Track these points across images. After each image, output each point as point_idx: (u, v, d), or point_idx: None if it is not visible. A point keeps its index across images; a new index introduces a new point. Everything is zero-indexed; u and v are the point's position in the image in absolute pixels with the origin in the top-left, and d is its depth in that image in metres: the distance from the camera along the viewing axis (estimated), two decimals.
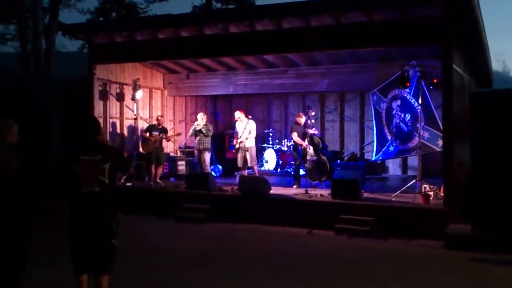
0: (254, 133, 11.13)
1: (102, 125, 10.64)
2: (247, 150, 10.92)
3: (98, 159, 4.16)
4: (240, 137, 11.01)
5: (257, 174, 10.94)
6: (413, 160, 12.43)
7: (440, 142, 9.05)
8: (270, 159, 12.89)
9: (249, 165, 11.01)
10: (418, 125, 9.48)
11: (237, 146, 11.07)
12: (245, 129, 11.01)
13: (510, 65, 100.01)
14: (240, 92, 13.52)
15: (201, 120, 11.39)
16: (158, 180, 11.24)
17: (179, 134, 12.90)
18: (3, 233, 3.86)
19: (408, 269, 6.30)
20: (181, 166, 12.46)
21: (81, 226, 4.16)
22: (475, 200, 7.50)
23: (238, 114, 11.31)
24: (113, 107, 12.20)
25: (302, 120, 10.72)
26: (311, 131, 10.48)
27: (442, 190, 8.67)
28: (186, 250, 7.23)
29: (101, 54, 11.38)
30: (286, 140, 13.34)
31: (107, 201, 4.21)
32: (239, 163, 11.07)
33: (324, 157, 10.35)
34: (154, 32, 10.55)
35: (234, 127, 14.26)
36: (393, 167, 13.42)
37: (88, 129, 4.35)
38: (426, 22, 8.37)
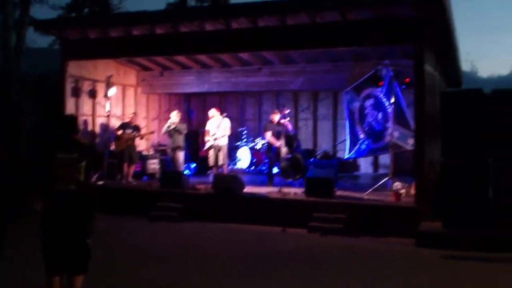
0: (228, 131, 11.09)
1: None
2: (220, 149, 10.88)
3: (75, 158, 4.11)
4: (214, 134, 10.92)
5: (226, 173, 10.86)
6: (384, 158, 12.62)
7: (411, 141, 9.20)
8: (244, 157, 12.90)
9: (220, 162, 10.96)
10: (388, 124, 9.63)
11: (208, 144, 10.97)
12: (219, 127, 10.95)
13: (477, 65, 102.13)
14: (214, 90, 13.47)
15: (175, 117, 11.30)
16: (130, 179, 11.11)
17: (152, 132, 12.80)
18: None
19: (379, 267, 6.36)
20: (154, 164, 12.32)
21: (55, 225, 4.09)
22: (445, 198, 7.64)
23: (212, 112, 11.27)
24: (85, 104, 12.00)
25: (276, 118, 10.73)
26: (284, 120, 10.47)
27: (413, 188, 8.82)
28: (160, 249, 7.16)
29: (73, 50, 11.18)
30: (259, 138, 13.37)
31: (83, 200, 4.16)
32: (211, 161, 11.02)
33: (298, 155, 10.40)
34: (129, 28, 10.43)
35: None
36: (365, 165, 13.59)
37: (66, 127, 4.30)
38: (401, 22, 8.51)
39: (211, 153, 11.01)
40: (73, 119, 4.59)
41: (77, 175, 4.11)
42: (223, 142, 10.98)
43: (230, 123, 11.42)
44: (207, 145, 11.04)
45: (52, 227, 4.10)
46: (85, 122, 11.98)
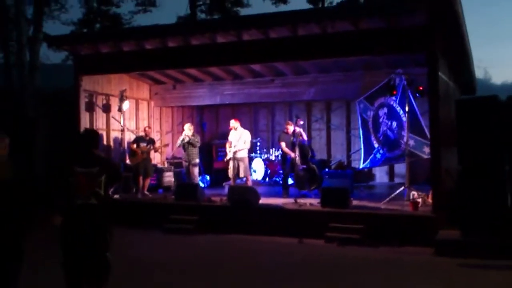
0: (248, 144, 10.98)
1: None
2: (241, 160, 10.78)
3: (95, 172, 4.13)
4: (235, 146, 10.78)
5: (250, 185, 10.69)
6: (400, 168, 12.53)
7: (426, 149, 9.14)
8: (258, 168, 12.88)
9: (241, 175, 10.82)
10: (403, 133, 9.57)
11: (229, 155, 10.84)
12: (240, 138, 10.86)
13: (491, 72, 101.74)
14: (227, 102, 13.51)
15: (188, 130, 11.32)
16: (146, 192, 11.15)
17: (166, 145, 12.84)
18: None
19: (399, 277, 6.30)
20: (169, 177, 12.36)
21: (76, 239, 4.11)
22: (463, 206, 7.55)
23: (233, 123, 11.09)
24: (99, 118, 12.09)
25: (290, 129, 10.71)
26: (299, 129, 10.43)
27: (430, 196, 8.74)
28: (176, 262, 7.16)
29: (87, 65, 11.29)
30: (273, 149, 13.37)
31: (103, 214, 4.18)
32: (231, 173, 10.86)
33: (313, 166, 10.36)
34: (141, 42, 10.51)
35: (221, 137, 14.26)
36: (380, 174, 13.51)
37: (87, 141, 4.33)
38: (412, 31, 8.46)
39: (231, 164, 10.85)
40: (94, 133, 4.63)
41: (97, 189, 4.13)
42: (244, 154, 10.84)
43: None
44: (228, 156, 10.91)
45: (73, 241, 4.12)
46: (100, 136, 12.05)
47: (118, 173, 4.55)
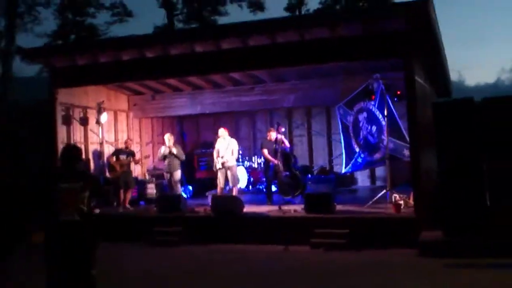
0: (236, 153, 10.93)
1: None
2: (229, 169, 10.67)
3: (79, 187, 4.07)
4: (223, 156, 10.69)
5: (235, 194, 10.61)
6: (381, 171, 12.65)
7: (406, 152, 9.25)
8: (241, 177, 12.85)
9: (230, 184, 10.72)
10: (383, 137, 9.68)
11: (218, 165, 10.72)
12: (228, 147, 10.78)
13: (465, 74, 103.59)
14: (207, 111, 13.48)
15: (168, 141, 11.21)
16: (127, 205, 11.01)
17: (147, 156, 12.73)
18: None
19: (385, 279, 6.35)
20: (151, 189, 12.22)
21: (60, 256, 4.03)
22: (444, 207, 7.66)
23: (221, 132, 11.00)
24: (77, 131, 11.91)
25: (272, 135, 10.71)
26: (280, 136, 10.44)
27: (411, 198, 8.84)
28: (163, 274, 7.09)
29: (62, 78, 11.08)
30: (256, 157, 13.36)
31: (87, 230, 4.11)
32: (220, 182, 10.73)
33: (296, 172, 10.39)
34: (118, 53, 10.39)
35: (202, 147, 14.21)
36: (362, 178, 13.61)
37: (69, 156, 4.26)
38: (389, 36, 8.56)
39: (220, 174, 10.76)
40: (75, 148, 4.58)
41: (81, 205, 4.07)
42: (232, 163, 10.77)
43: None
44: (216, 166, 10.80)
45: (57, 258, 4.04)
46: (81, 151, 11.86)
47: (100, 187, 4.52)
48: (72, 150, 4.44)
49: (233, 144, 10.88)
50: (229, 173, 10.67)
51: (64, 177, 4.13)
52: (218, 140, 11.00)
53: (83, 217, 4.08)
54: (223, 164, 10.64)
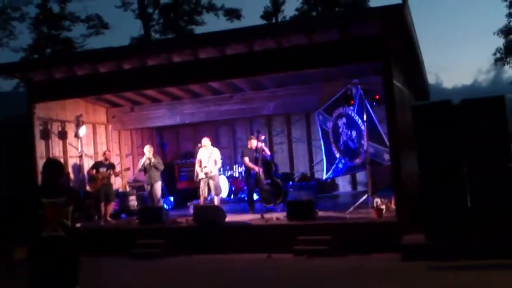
0: (219, 162, 10.83)
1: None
2: (212, 178, 10.55)
3: (62, 202, 4.02)
4: (206, 166, 10.56)
5: (217, 203, 10.51)
6: (362, 176, 12.70)
7: (386, 156, 9.31)
8: (222, 186, 12.77)
9: (213, 194, 10.60)
10: (363, 142, 9.74)
11: (201, 175, 10.58)
12: (210, 157, 10.66)
13: (442, 77, 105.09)
14: (187, 122, 13.41)
15: (148, 153, 11.10)
16: (109, 218, 10.86)
17: (127, 169, 12.61)
18: None
19: (368, 284, 6.36)
20: (132, 201, 12.11)
21: (44, 272, 3.96)
22: (426, 210, 7.70)
23: (205, 141, 10.86)
24: (56, 146, 11.75)
25: (253, 143, 10.67)
26: (261, 144, 10.41)
27: (393, 202, 8.87)
28: (147, 287, 6.97)
29: (40, 92, 10.96)
30: (236, 165, 13.32)
31: (71, 245, 4.05)
32: (203, 192, 10.60)
33: (277, 180, 10.37)
34: (95, 66, 10.31)
35: (183, 157, 14.11)
36: (343, 184, 13.65)
37: (51, 172, 4.21)
38: (366, 40, 8.62)
39: (202, 184, 10.63)
40: (57, 163, 4.54)
41: (64, 220, 4.02)
42: (215, 172, 10.67)
43: None
44: (199, 176, 10.66)
45: (42, 274, 3.96)
46: (62, 165, 11.68)
47: (81, 201, 4.48)
48: (54, 165, 4.38)
49: (216, 153, 10.80)
50: (211, 182, 10.57)
51: (47, 192, 4.07)
52: (201, 149, 10.91)
53: (67, 232, 4.02)
54: (206, 174, 10.56)
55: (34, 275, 4.01)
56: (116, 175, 11.59)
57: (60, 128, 11.85)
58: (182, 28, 25.59)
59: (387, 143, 9.10)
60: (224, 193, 12.54)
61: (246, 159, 10.61)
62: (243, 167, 11.34)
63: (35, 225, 4.01)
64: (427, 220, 7.63)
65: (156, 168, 10.95)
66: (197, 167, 10.76)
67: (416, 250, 7.44)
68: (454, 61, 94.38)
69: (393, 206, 8.86)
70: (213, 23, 30.18)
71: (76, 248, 4.14)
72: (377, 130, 9.58)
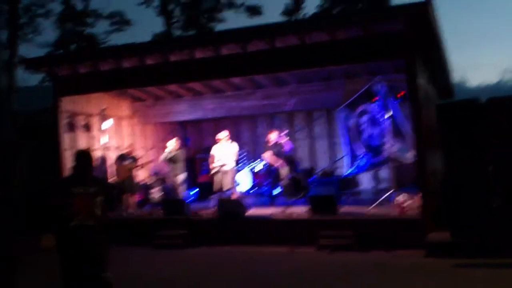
0: (235, 157, 10.91)
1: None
2: (225, 173, 10.67)
3: (92, 192, 4.12)
4: (219, 160, 10.72)
5: (236, 197, 10.62)
6: (385, 172, 12.63)
7: (409, 154, 9.25)
8: (245, 180, 12.86)
9: (224, 188, 10.73)
10: (386, 139, 9.69)
11: (216, 169, 10.70)
12: (225, 151, 10.75)
13: (467, 75, 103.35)
14: (209, 116, 13.50)
15: (172, 145, 11.25)
16: (132, 209, 11.04)
17: (150, 161, 12.76)
18: None
19: (392, 280, 6.35)
20: (155, 193, 12.30)
21: (75, 261, 4.06)
22: (450, 208, 7.66)
23: (221, 135, 10.96)
24: (81, 138, 11.97)
25: (273, 137, 10.70)
26: (282, 139, 10.43)
27: (417, 199, 8.83)
28: (169, 276, 7.11)
29: (65, 86, 11.18)
30: (258, 160, 13.37)
31: (100, 233, 4.15)
32: (216, 186, 10.76)
33: (299, 175, 10.40)
34: (119, 61, 10.46)
35: (205, 151, 14.20)
36: (365, 180, 13.57)
37: (82, 162, 4.31)
38: (390, 38, 8.58)
39: (217, 178, 10.76)
40: (89, 154, 4.63)
41: (95, 209, 4.11)
42: (229, 167, 10.75)
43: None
44: (213, 170, 10.78)
45: (73, 263, 4.07)
46: (93, 157, 11.87)
47: (112, 193, 4.59)
48: (85, 156, 4.48)
49: (232, 148, 10.86)
50: (225, 176, 10.64)
51: (78, 182, 4.17)
52: (216, 144, 11.00)
53: (97, 221, 4.12)
54: (219, 168, 10.63)
55: (63, 263, 4.11)
56: (140, 167, 11.76)
57: (85, 121, 12.06)
58: (203, 25, 25.73)
59: (411, 141, 9.06)
60: (246, 187, 12.63)
61: (268, 154, 10.65)
62: (265, 162, 11.39)
63: (64, 215, 4.10)
64: (452, 217, 7.60)
65: (178, 159, 11.08)
66: (210, 162, 10.86)
67: (440, 247, 7.43)
68: (479, 59, 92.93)
69: (416, 203, 8.82)
70: (233, 20, 30.16)
71: (105, 237, 4.24)
72: (400, 128, 9.53)
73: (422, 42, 8.97)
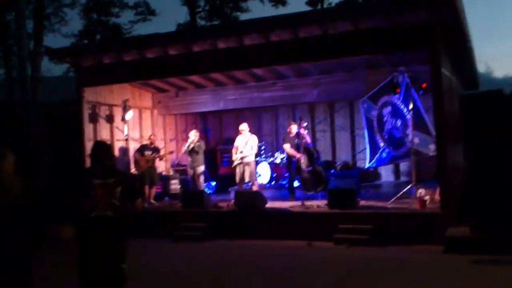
0: (255, 149, 10.89)
1: None
2: (247, 165, 10.67)
3: (111, 183, 4.16)
4: (242, 152, 10.71)
5: (256, 189, 10.60)
6: (406, 166, 12.48)
7: (432, 147, 9.10)
8: (264, 172, 12.85)
9: (247, 180, 10.72)
10: (408, 131, 9.54)
11: (238, 161, 10.72)
12: (247, 143, 10.79)
13: (492, 66, 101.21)
14: (230, 107, 13.50)
15: (194, 136, 11.29)
16: (152, 201, 11.13)
17: (171, 152, 12.84)
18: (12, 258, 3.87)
19: (411, 276, 6.25)
20: (175, 185, 12.35)
21: (92, 251, 4.12)
22: (472, 203, 7.50)
23: (243, 127, 11.00)
24: (103, 129, 12.09)
25: (294, 129, 10.63)
26: (303, 131, 10.34)
27: (437, 194, 8.69)
28: (188, 268, 7.15)
29: (89, 76, 11.30)
30: (278, 152, 13.34)
31: (119, 224, 4.19)
32: (238, 178, 10.77)
33: (319, 167, 10.31)
34: (142, 52, 10.52)
35: (225, 143, 14.24)
36: (386, 173, 13.45)
37: (100, 153, 4.35)
38: (414, 28, 8.41)
39: (238, 170, 10.77)
40: (107, 145, 4.68)
41: (113, 200, 4.15)
42: (250, 158, 10.74)
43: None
44: (235, 162, 10.79)
45: (90, 253, 4.12)
46: (112, 148, 12.04)
47: (134, 185, 4.62)
48: (103, 147, 4.52)
49: (253, 140, 10.86)
50: (247, 168, 10.66)
51: (97, 173, 4.21)
52: (239, 136, 11.01)
53: (116, 212, 4.16)
54: (241, 159, 10.64)
55: (83, 254, 4.16)
56: (161, 158, 11.84)
57: (107, 112, 12.17)
58: (227, 14, 25.65)
59: (433, 133, 8.90)
60: (265, 179, 12.60)
61: (287, 146, 10.58)
62: (285, 154, 11.34)
63: (84, 205, 4.15)
64: (473, 213, 7.44)
65: (198, 151, 11.11)
66: (233, 153, 10.88)
67: (460, 243, 7.28)
68: (506, 49, 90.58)
69: (437, 197, 8.67)
70: (258, 9, 30.02)
71: (124, 228, 4.27)
72: (423, 120, 9.36)
73: (446, 31, 8.75)
